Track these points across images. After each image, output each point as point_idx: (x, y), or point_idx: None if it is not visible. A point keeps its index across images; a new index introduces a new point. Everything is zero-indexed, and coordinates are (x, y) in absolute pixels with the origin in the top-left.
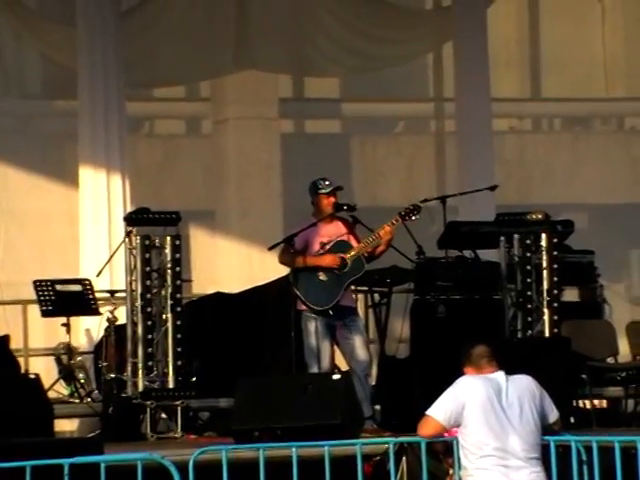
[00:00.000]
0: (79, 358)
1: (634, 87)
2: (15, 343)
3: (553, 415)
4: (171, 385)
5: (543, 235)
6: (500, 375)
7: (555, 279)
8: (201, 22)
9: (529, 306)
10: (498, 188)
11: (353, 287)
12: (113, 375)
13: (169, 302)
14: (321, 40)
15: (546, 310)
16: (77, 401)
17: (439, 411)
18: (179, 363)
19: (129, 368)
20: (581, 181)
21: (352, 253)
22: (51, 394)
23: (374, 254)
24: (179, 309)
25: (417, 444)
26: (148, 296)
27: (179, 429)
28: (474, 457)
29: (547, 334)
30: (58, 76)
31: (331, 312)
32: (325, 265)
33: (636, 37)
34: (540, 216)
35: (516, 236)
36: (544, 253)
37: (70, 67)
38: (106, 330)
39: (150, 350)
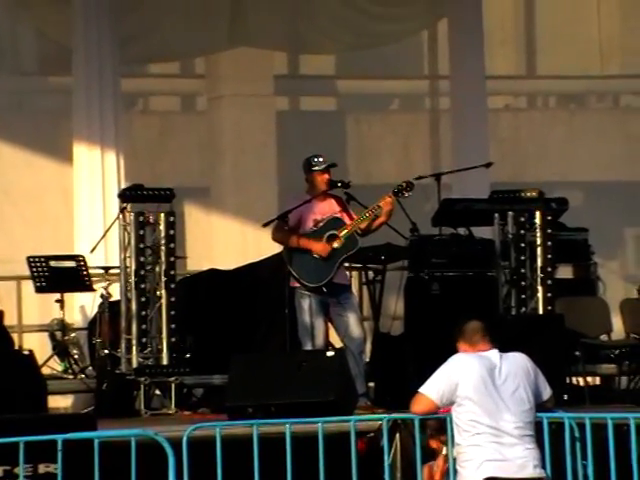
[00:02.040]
0: (73, 334)
1: (629, 65)
2: (9, 319)
3: (546, 393)
4: (165, 362)
5: (537, 212)
6: (493, 353)
7: (549, 256)
8: None
9: (523, 283)
10: (493, 166)
11: (347, 264)
12: (107, 351)
13: (163, 279)
14: (317, 16)
15: (540, 287)
16: (71, 377)
17: (432, 389)
18: (173, 340)
19: (123, 344)
20: (576, 159)
21: (345, 230)
22: (45, 370)
23: (373, 226)
24: (173, 286)
25: (411, 421)
26: (142, 272)
27: (173, 405)
28: (468, 435)
29: (541, 311)
30: (53, 52)
31: (325, 289)
32: (315, 252)
33: (631, 14)
34: (534, 194)
35: (510, 213)
36: (538, 230)
37: (65, 43)
38: (100, 306)
39: (144, 327)
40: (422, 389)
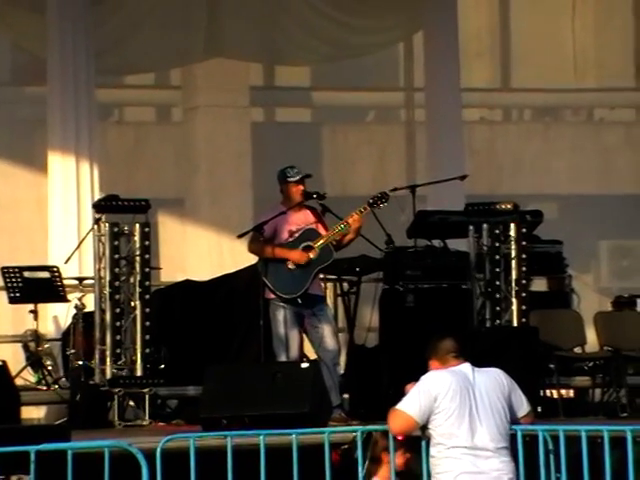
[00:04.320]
0: (47, 345)
1: (603, 78)
2: None
3: (523, 409)
4: (139, 373)
5: (512, 225)
6: (466, 367)
7: (523, 269)
8: (172, 8)
9: (497, 295)
10: (468, 178)
11: (322, 276)
12: (81, 362)
13: (137, 290)
14: (292, 28)
15: (514, 300)
16: (44, 388)
17: (412, 406)
18: (147, 351)
19: (97, 355)
20: (551, 171)
21: (320, 241)
22: (18, 381)
23: (342, 242)
24: (148, 297)
25: (385, 433)
26: (116, 283)
27: (147, 417)
28: (443, 447)
29: (515, 323)
30: (28, 62)
31: (300, 301)
32: (292, 260)
33: (606, 28)
34: (509, 206)
35: (485, 226)
36: (513, 243)
37: (39, 54)
38: (74, 317)
39: (118, 337)
40: (400, 406)
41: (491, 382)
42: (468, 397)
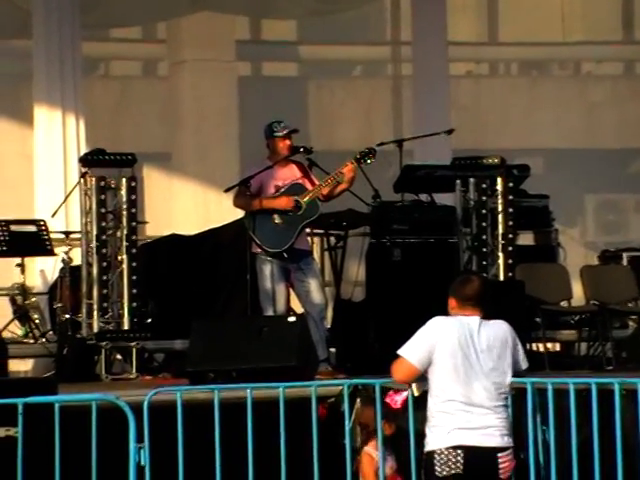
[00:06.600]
0: (34, 299)
1: (591, 32)
2: None
3: (524, 364)
4: (126, 326)
5: (499, 179)
6: (475, 320)
7: (510, 223)
8: None
9: (484, 250)
10: (454, 132)
11: (309, 230)
12: (68, 316)
13: (124, 244)
14: None
15: (501, 254)
16: (32, 341)
17: (412, 353)
18: (134, 305)
19: (84, 309)
20: (537, 126)
21: (307, 196)
22: (5, 334)
23: (334, 193)
24: (134, 251)
25: (371, 386)
26: (103, 237)
27: (134, 370)
28: (438, 399)
29: (502, 277)
30: (13, 16)
31: (286, 255)
32: (279, 207)
33: None
34: (496, 160)
35: (472, 180)
36: (499, 197)
37: (24, 7)
38: (61, 271)
39: (105, 291)
40: (402, 352)
41: (496, 338)
42: (469, 352)
